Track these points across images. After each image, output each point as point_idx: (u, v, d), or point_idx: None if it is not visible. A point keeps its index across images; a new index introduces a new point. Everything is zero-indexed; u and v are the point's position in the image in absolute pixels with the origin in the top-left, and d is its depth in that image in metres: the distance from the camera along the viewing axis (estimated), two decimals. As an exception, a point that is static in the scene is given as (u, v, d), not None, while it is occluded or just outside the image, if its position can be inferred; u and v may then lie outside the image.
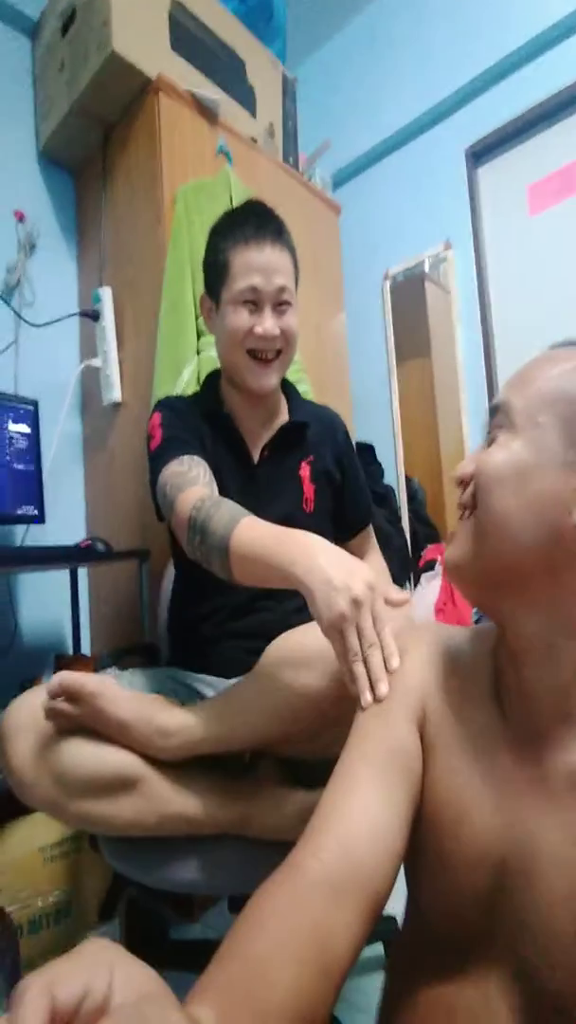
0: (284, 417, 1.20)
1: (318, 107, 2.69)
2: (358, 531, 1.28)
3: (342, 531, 1.24)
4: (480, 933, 0.53)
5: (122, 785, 0.82)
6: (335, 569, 0.72)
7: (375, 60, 2.54)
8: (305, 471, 1.17)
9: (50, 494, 1.69)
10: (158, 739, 0.83)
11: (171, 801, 0.84)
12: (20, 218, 1.86)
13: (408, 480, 2.58)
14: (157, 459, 1.06)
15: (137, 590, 1.62)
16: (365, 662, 0.66)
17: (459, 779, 0.56)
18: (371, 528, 1.31)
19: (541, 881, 0.49)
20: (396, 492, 2.55)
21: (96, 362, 1.83)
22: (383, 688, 0.64)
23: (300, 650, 0.83)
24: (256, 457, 1.16)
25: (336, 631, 0.69)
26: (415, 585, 2.41)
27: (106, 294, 1.82)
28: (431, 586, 2.30)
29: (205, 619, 1.12)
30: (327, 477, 1.20)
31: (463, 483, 0.56)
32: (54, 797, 0.81)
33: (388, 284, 2.56)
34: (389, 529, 2.44)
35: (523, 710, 0.55)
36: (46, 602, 1.82)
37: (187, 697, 1.02)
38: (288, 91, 2.24)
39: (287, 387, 1.25)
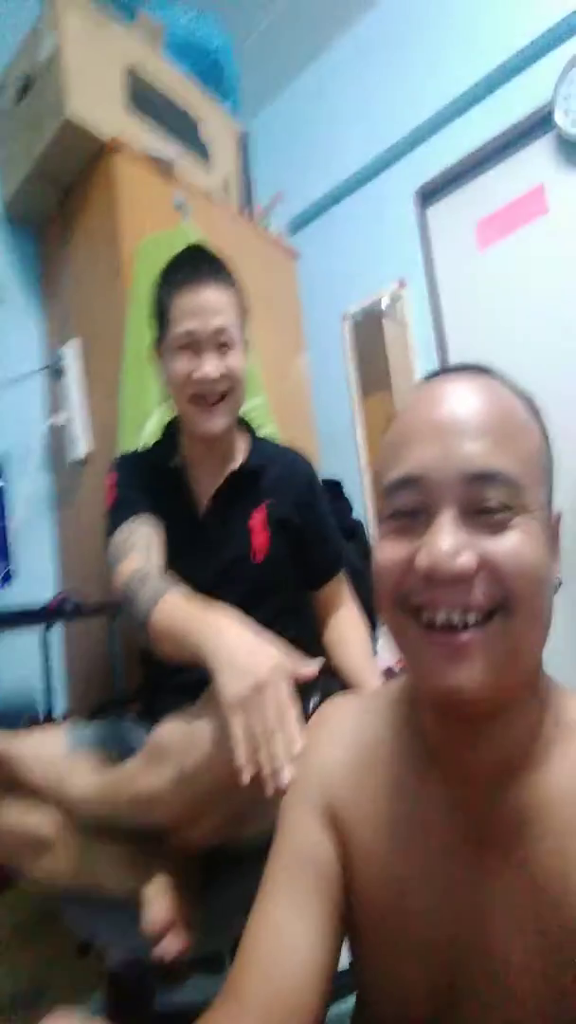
0: (237, 463, 1.15)
1: (273, 156, 2.78)
2: (325, 581, 1.20)
3: (310, 581, 1.19)
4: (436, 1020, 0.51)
5: (38, 844, 0.88)
6: (240, 650, 0.73)
7: (325, 110, 2.63)
8: (257, 519, 1.11)
9: (20, 552, 1.68)
10: (67, 803, 0.87)
11: (80, 866, 0.88)
12: (-19, 280, 1.88)
13: (377, 514, 2.59)
14: (109, 522, 1.10)
15: (109, 645, 1.61)
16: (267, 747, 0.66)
17: (389, 866, 0.52)
18: (342, 577, 1.23)
19: (498, 948, 0.47)
20: (365, 526, 2.57)
21: (61, 420, 1.83)
22: (283, 777, 0.63)
23: (158, 743, 0.81)
24: (203, 507, 1.13)
25: (235, 715, 0.69)
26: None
27: (69, 351, 1.84)
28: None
29: (156, 670, 1.11)
30: (284, 524, 1.12)
31: (462, 580, 0.44)
32: None
33: (348, 323, 2.62)
34: (359, 565, 2.46)
35: (461, 769, 0.50)
36: (17, 665, 1.79)
37: (123, 753, 0.98)
38: (242, 145, 2.31)
39: (248, 430, 1.22)
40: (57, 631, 1.87)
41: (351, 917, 0.54)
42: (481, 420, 0.46)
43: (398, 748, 0.55)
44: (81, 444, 1.79)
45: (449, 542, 0.43)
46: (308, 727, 0.65)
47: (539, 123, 2.02)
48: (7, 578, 1.59)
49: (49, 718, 1.65)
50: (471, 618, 0.44)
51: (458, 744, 0.50)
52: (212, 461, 1.14)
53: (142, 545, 1.02)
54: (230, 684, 0.71)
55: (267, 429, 1.88)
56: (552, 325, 2.01)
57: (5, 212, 2.01)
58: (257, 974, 0.49)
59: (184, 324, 1.04)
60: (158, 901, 0.83)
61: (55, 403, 1.94)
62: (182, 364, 1.05)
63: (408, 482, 0.47)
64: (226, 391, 1.07)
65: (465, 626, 0.44)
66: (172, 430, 1.19)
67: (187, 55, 2.11)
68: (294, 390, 2.34)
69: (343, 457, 2.62)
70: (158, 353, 1.12)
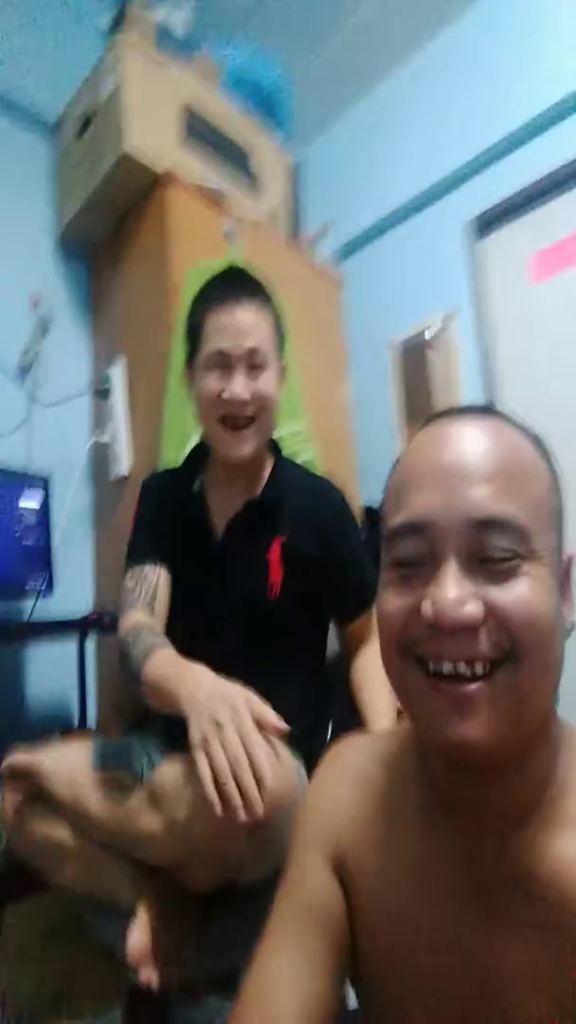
0: (258, 492, 1.11)
1: (325, 184, 2.83)
2: (356, 615, 1.14)
3: (338, 616, 1.15)
4: None
5: (61, 852, 0.93)
6: (203, 693, 0.79)
7: (379, 139, 2.67)
8: (275, 552, 1.06)
9: (59, 567, 1.73)
10: (83, 820, 0.90)
11: (96, 877, 0.94)
12: (35, 301, 1.97)
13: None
14: (126, 554, 1.13)
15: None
16: (237, 784, 0.70)
17: (397, 914, 0.50)
18: (373, 612, 1.19)
19: (511, 1003, 0.45)
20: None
21: (105, 438, 1.89)
22: (256, 810, 0.67)
23: (158, 787, 0.84)
24: (221, 535, 1.09)
25: (199, 753, 0.73)
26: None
27: (116, 373, 1.90)
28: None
29: None
30: (302, 559, 1.06)
31: (468, 630, 0.43)
32: (27, 854, 0.97)
33: (393, 352, 2.63)
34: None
35: (471, 818, 0.49)
36: (54, 676, 1.83)
37: (146, 772, 1.01)
38: (292, 176, 2.37)
39: (276, 457, 1.17)
40: (92, 644, 1.91)
41: (356, 961, 0.53)
42: (487, 464, 0.45)
43: (408, 794, 0.54)
44: (123, 462, 1.84)
45: (455, 592, 0.42)
46: (320, 764, 0.63)
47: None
48: (48, 589, 1.64)
49: (83, 729, 1.68)
50: (478, 668, 0.42)
51: (467, 793, 0.48)
52: (234, 487, 1.10)
53: (145, 597, 1.06)
54: (193, 726, 0.76)
55: (307, 455, 1.90)
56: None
57: (60, 239, 2.11)
58: (256, 1013, 0.48)
59: (216, 343, 1.02)
60: (136, 933, 0.85)
61: (100, 422, 2.00)
62: (211, 383, 1.03)
63: (412, 529, 0.46)
64: (254, 415, 1.04)
65: (472, 677, 0.42)
66: (199, 452, 1.17)
67: (243, 89, 2.19)
68: (336, 418, 2.36)
69: (384, 485, 2.61)
70: (189, 373, 1.11)
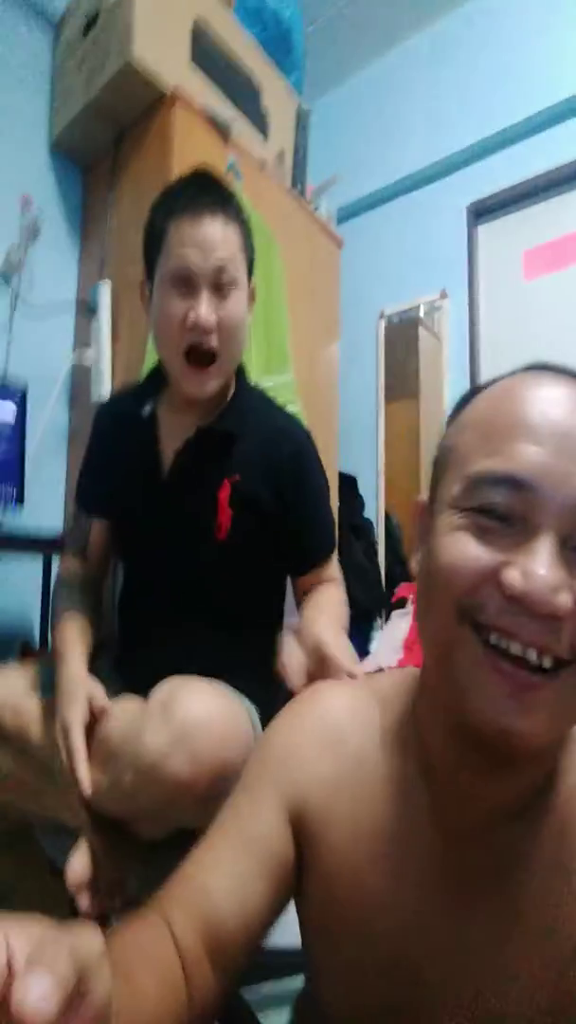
0: (213, 420, 1.02)
1: (329, 142, 2.77)
2: (310, 568, 1.05)
3: (291, 567, 1.07)
4: None
5: (4, 778, 0.95)
6: (61, 694, 0.90)
7: (389, 105, 2.64)
8: (224, 491, 0.98)
9: (31, 482, 1.66)
10: (28, 749, 0.94)
11: (35, 803, 0.97)
12: (26, 203, 1.85)
13: (388, 517, 2.60)
14: (75, 494, 1.15)
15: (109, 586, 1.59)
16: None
17: (360, 878, 0.48)
18: (332, 559, 1.07)
19: (469, 986, 0.44)
20: (375, 526, 2.57)
21: (88, 357, 1.81)
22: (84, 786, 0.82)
23: (105, 742, 0.86)
24: (168, 466, 1.01)
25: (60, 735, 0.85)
26: (386, 620, 2.43)
27: (104, 290, 1.81)
28: (401, 623, 2.31)
29: (129, 622, 1.12)
30: (252, 503, 0.98)
31: (552, 619, 0.38)
32: None
33: (383, 323, 2.62)
34: (365, 563, 2.47)
35: (458, 799, 0.46)
36: (17, 590, 1.78)
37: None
38: (301, 121, 2.31)
39: (243, 389, 1.07)
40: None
41: (305, 919, 0.53)
42: None
43: (387, 762, 0.51)
44: (104, 384, 1.77)
45: (551, 574, 0.37)
46: (290, 705, 0.59)
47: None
48: (18, 501, 1.57)
49: (43, 648, 1.63)
50: (546, 661, 0.38)
51: (467, 779, 0.45)
52: (189, 413, 1.02)
53: (78, 543, 1.11)
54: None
55: (292, 408, 1.87)
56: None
57: (54, 144, 1.99)
58: (179, 906, 0.47)
59: (180, 257, 0.92)
60: (77, 860, 0.85)
61: (82, 340, 1.92)
62: (174, 305, 0.93)
63: (511, 483, 0.40)
64: (219, 346, 0.95)
65: (540, 668, 0.38)
66: (155, 376, 1.07)
67: (257, 20, 2.11)
68: (322, 378, 2.33)
69: (362, 454, 2.61)
70: (146, 290, 1.00)
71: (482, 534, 0.40)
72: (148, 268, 0.99)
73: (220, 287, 0.93)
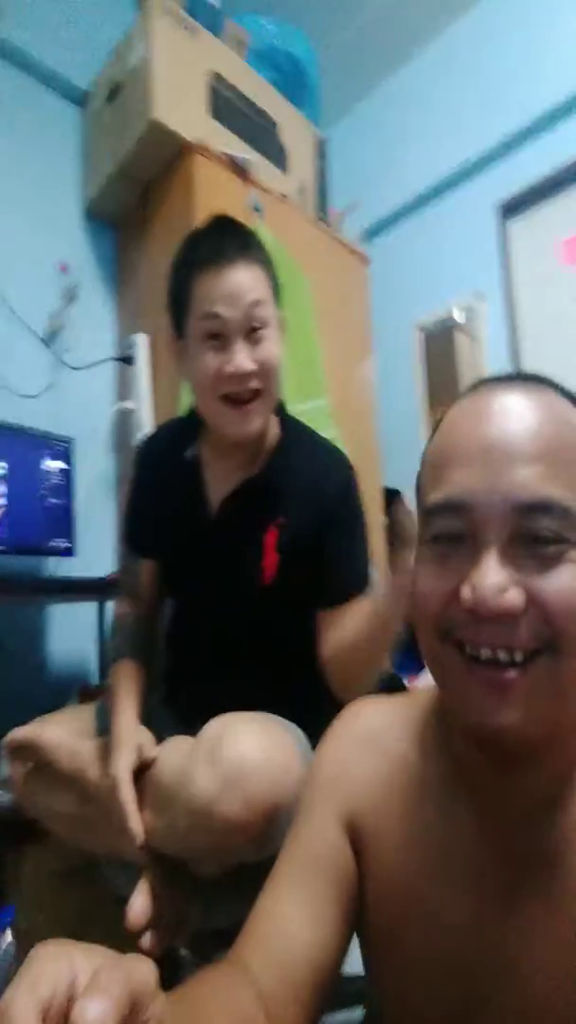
0: (258, 468, 1.01)
1: (351, 164, 2.81)
2: (329, 606, 0.99)
3: (317, 602, 1.00)
4: None
5: (70, 820, 0.97)
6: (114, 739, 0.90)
7: (407, 119, 2.64)
8: (271, 536, 0.97)
9: (82, 529, 1.76)
10: (88, 788, 0.94)
11: (99, 841, 0.96)
12: (64, 270, 1.99)
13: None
14: (120, 535, 1.19)
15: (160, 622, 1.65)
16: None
17: (413, 885, 0.50)
18: (350, 606, 0.98)
19: (526, 985, 0.45)
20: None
21: (129, 404, 1.90)
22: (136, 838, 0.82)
23: (157, 786, 0.86)
24: (215, 512, 1.01)
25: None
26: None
27: (141, 341, 1.91)
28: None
29: (179, 657, 1.13)
30: (298, 546, 0.97)
31: (508, 617, 0.41)
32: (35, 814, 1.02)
33: (419, 334, 2.61)
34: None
35: (493, 797, 0.48)
36: (74, 635, 1.87)
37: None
38: (319, 151, 2.35)
39: (285, 424, 1.06)
40: (110, 608, 1.94)
41: (365, 927, 0.53)
42: (534, 442, 0.42)
43: (428, 765, 0.53)
44: (146, 429, 1.85)
45: (495, 578, 0.40)
46: (336, 724, 0.63)
47: None
48: (70, 551, 1.66)
49: (100, 688, 1.70)
50: (517, 656, 0.41)
51: (491, 774, 0.48)
52: (232, 460, 1.01)
53: (129, 587, 1.12)
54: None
55: (328, 432, 1.89)
56: None
57: (87, 209, 2.12)
58: (257, 949, 0.49)
59: (207, 310, 0.91)
60: (138, 900, 0.85)
61: (124, 389, 2.02)
62: (208, 360, 0.92)
63: (451, 508, 0.43)
64: (259, 389, 0.94)
65: (511, 663, 0.41)
66: (194, 420, 1.06)
67: (271, 63, 2.18)
68: (359, 396, 2.34)
69: (406, 468, 2.57)
70: (177, 346, 1.00)
71: (443, 560, 0.45)
72: (176, 325, 0.98)
73: (253, 331, 0.93)
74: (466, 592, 0.42)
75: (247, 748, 0.77)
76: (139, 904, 0.84)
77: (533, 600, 0.41)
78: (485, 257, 2.39)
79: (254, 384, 0.93)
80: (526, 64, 2.24)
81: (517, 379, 0.47)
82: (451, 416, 0.48)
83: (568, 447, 0.43)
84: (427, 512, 0.46)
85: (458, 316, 2.48)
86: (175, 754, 0.86)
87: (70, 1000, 0.27)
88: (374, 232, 2.73)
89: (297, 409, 1.11)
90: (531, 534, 0.41)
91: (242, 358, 0.91)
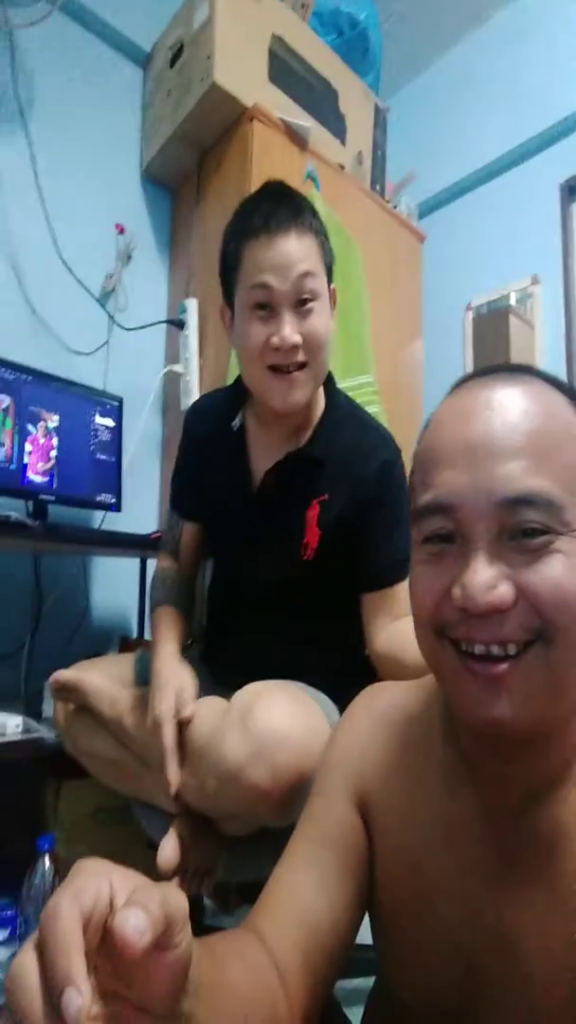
0: (303, 440, 1.01)
1: (409, 137, 2.75)
2: (368, 589, 0.99)
3: (359, 584, 1.01)
4: (457, 1019, 0.50)
5: (106, 762, 1.04)
6: (158, 680, 0.94)
7: (469, 93, 2.58)
8: (313, 512, 0.97)
9: (128, 487, 1.81)
10: (124, 735, 0.99)
11: (138, 786, 1.01)
12: (120, 231, 2.02)
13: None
14: (171, 491, 1.20)
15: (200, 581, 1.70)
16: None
17: (417, 862, 0.52)
18: (403, 587, 0.92)
19: (523, 964, 0.46)
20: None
21: (178, 368, 1.93)
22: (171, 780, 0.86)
23: (191, 743, 0.88)
24: (258, 484, 1.02)
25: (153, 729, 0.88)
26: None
27: (192, 305, 1.93)
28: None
29: (218, 613, 1.17)
30: (340, 524, 0.97)
31: (498, 613, 0.42)
32: (75, 753, 1.10)
33: (471, 315, 2.57)
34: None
35: (494, 782, 0.50)
36: (116, 587, 1.93)
37: None
38: (379, 121, 2.32)
39: (332, 399, 1.05)
40: (152, 564, 1.99)
41: (374, 902, 0.56)
42: (516, 436, 0.43)
43: (436, 749, 0.55)
44: (194, 394, 1.88)
45: (483, 576, 0.42)
46: (352, 706, 0.65)
47: None
48: (115, 507, 1.72)
49: (140, 640, 1.77)
50: (510, 649, 0.42)
51: (493, 760, 0.49)
52: (277, 431, 1.02)
53: (171, 544, 1.18)
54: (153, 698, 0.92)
55: (373, 409, 1.89)
56: None
57: (145, 171, 2.14)
58: (272, 918, 0.51)
59: (257, 280, 0.90)
60: (168, 846, 0.88)
61: (172, 353, 2.04)
62: (256, 329, 0.92)
63: (439, 509, 0.45)
64: (305, 361, 0.93)
65: (504, 656, 0.43)
66: (241, 389, 1.06)
67: (333, 26, 2.16)
68: (405, 375, 2.34)
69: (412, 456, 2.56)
70: (227, 314, 1.00)
71: (436, 561, 0.46)
72: (226, 292, 0.99)
73: (301, 303, 0.92)
74: (457, 592, 0.43)
75: (277, 718, 0.79)
76: (169, 848, 0.87)
77: (523, 593, 0.42)
78: (545, 239, 2.33)
79: (300, 357, 0.92)
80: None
81: (501, 372, 0.48)
82: (436, 416, 0.49)
83: (550, 437, 0.43)
84: (418, 515, 0.47)
85: (513, 298, 2.44)
86: (210, 716, 0.87)
87: (108, 916, 0.29)
88: (430, 208, 2.69)
89: (343, 385, 1.12)
90: (518, 527, 0.42)
91: (289, 330, 0.90)
